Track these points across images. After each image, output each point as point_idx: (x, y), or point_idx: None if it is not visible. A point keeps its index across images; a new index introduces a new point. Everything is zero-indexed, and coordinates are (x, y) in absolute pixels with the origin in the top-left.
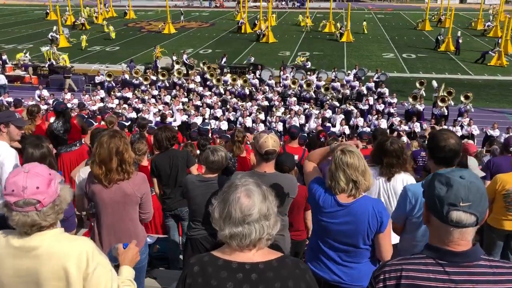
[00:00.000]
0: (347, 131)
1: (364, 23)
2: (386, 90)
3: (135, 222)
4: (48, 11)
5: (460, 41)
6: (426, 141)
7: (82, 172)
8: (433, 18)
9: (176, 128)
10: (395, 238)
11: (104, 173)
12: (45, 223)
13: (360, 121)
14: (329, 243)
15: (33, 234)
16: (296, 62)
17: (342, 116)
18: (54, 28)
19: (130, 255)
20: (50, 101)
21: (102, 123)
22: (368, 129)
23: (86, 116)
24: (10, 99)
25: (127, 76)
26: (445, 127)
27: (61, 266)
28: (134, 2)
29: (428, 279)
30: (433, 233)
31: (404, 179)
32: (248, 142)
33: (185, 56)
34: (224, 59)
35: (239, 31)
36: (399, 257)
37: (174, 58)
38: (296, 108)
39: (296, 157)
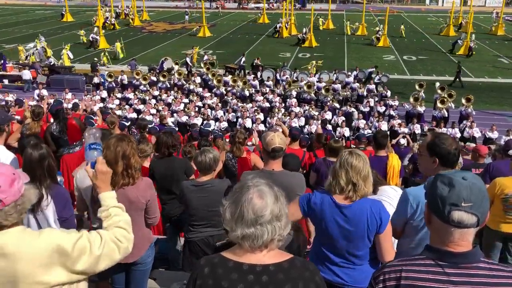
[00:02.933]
0: (347, 133)
1: (402, 26)
2: (388, 92)
3: (140, 227)
4: (63, 12)
5: (472, 45)
6: (430, 148)
7: (79, 174)
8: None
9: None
10: (394, 242)
11: None
12: (5, 222)
13: (362, 123)
14: (330, 246)
15: None
16: (310, 67)
17: (343, 118)
18: (95, 29)
19: (103, 178)
20: (51, 101)
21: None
22: (369, 131)
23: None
24: (11, 98)
25: (125, 77)
26: (444, 129)
27: (32, 264)
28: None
29: (427, 279)
30: (434, 234)
31: (391, 187)
32: (249, 143)
33: (206, 57)
34: (243, 59)
35: (276, 35)
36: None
37: (206, 57)
38: (297, 109)
39: None
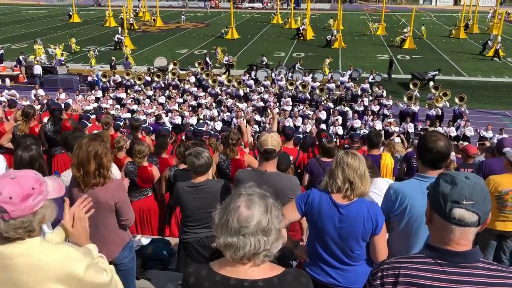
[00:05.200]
0: (340, 132)
1: (423, 28)
2: (384, 92)
3: (111, 229)
4: (71, 13)
5: (498, 47)
6: (417, 143)
7: (64, 176)
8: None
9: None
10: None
11: (81, 176)
12: (7, 235)
13: (357, 122)
14: (325, 246)
15: (10, 242)
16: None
17: (337, 117)
18: (120, 30)
19: (76, 234)
20: (45, 101)
21: (98, 124)
22: (365, 131)
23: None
24: (4, 99)
25: (118, 76)
26: (440, 128)
27: (41, 279)
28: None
29: (426, 278)
30: (434, 233)
31: (384, 180)
32: (242, 143)
33: (226, 58)
34: (264, 58)
35: (301, 38)
36: (393, 256)
37: (226, 58)
38: (288, 108)
39: (291, 157)
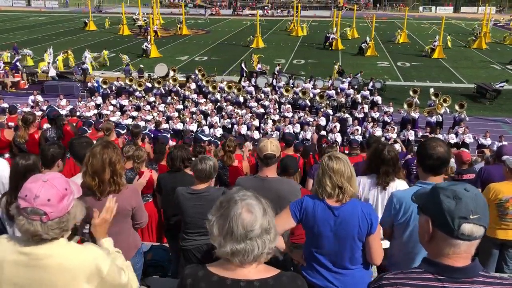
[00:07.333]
0: (339, 139)
1: (449, 37)
2: (379, 98)
3: (126, 234)
4: (87, 21)
5: None
6: (417, 149)
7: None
8: (474, 32)
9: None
10: (386, 243)
11: (97, 184)
12: (46, 236)
13: (358, 129)
14: (322, 250)
15: (39, 243)
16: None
17: (335, 124)
18: (149, 38)
19: (100, 229)
20: (44, 107)
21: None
22: (360, 137)
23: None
24: (6, 105)
25: (122, 83)
26: (440, 135)
27: (70, 279)
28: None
29: None
30: (435, 248)
31: (398, 187)
32: (242, 150)
33: (258, 66)
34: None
35: (330, 48)
36: (390, 263)
37: (259, 66)
38: (289, 115)
39: None
